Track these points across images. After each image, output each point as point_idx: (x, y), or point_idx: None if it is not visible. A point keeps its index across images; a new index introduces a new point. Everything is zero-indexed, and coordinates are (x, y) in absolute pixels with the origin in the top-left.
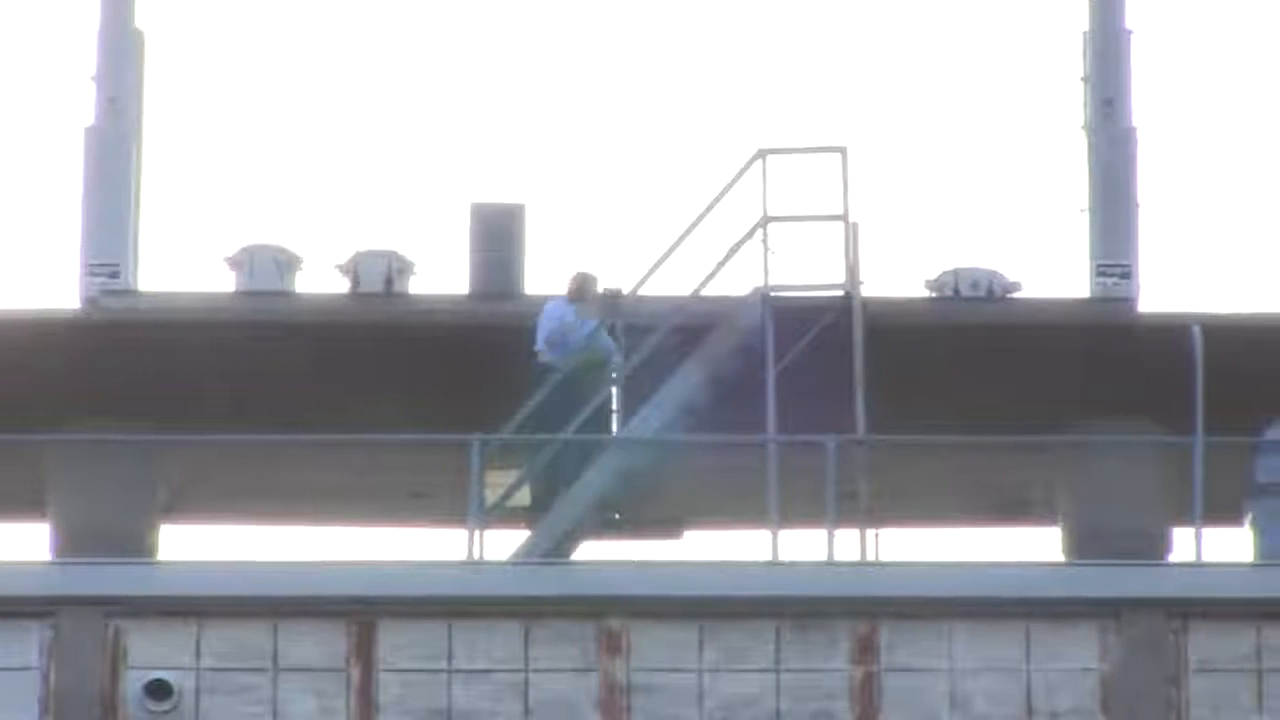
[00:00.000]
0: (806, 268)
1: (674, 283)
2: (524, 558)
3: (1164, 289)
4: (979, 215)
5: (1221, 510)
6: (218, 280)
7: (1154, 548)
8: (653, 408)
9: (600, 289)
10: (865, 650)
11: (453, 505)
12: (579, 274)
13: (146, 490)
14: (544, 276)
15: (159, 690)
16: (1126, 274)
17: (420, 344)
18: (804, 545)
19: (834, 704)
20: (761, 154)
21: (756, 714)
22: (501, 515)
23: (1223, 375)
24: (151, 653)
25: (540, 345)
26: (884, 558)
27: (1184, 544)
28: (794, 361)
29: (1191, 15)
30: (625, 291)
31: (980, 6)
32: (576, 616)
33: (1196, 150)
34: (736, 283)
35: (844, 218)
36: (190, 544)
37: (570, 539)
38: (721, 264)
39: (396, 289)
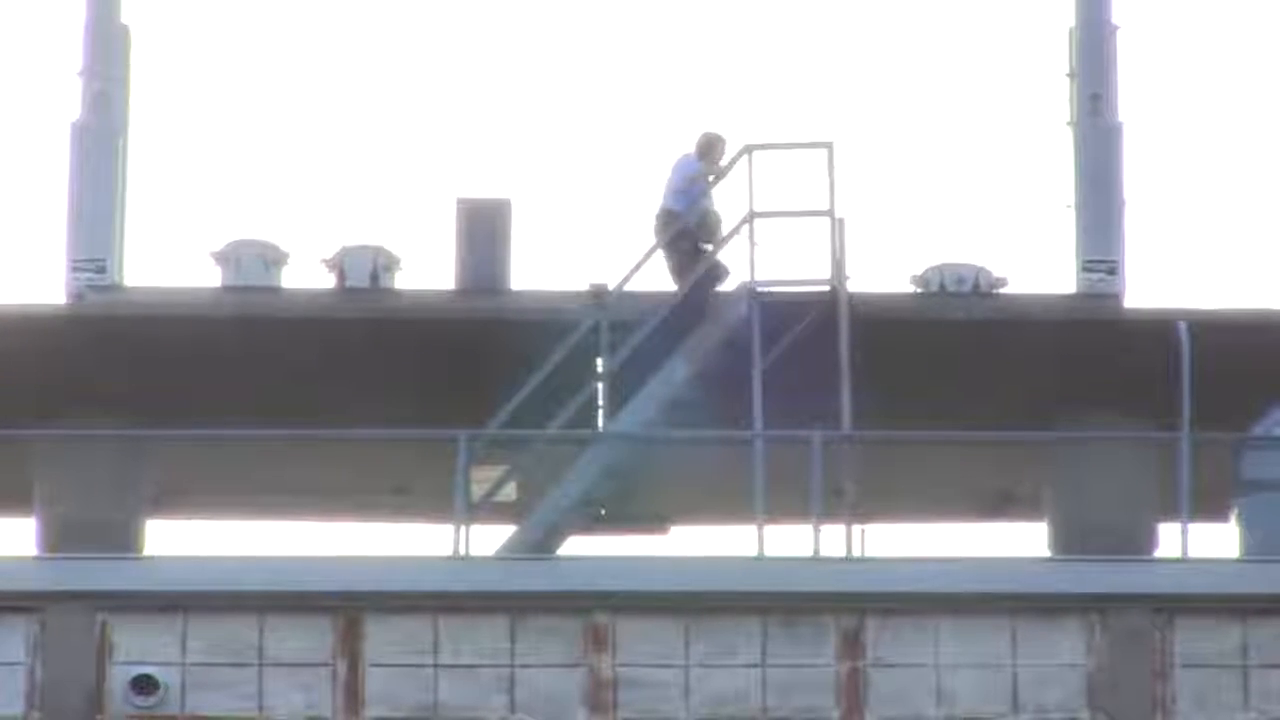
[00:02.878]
0: (793, 263)
1: (660, 278)
2: (510, 553)
3: (1150, 285)
4: (965, 211)
5: (1208, 506)
6: (204, 275)
7: (1140, 543)
8: (639, 403)
9: (725, 150)
10: (851, 645)
11: (439, 500)
12: (708, 132)
13: (133, 485)
14: (530, 272)
15: (145, 684)
16: (1113, 270)
17: (406, 339)
18: (790, 541)
19: (820, 699)
20: (748, 149)
21: (743, 709)
22: (488, 510)
23: (1209, 371)
24: (138, 647)
25: (669, 194)
26: (870, 553)
27: (1170, 539)
28: (780, 357)
29: (1178, 11)
30: (610, 287)
31: (967, 2)
32: (563, 611)
33: (1183, 146)
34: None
35: (830, 213)
36: (177, 539)
37: (556, 534)
38: (708, 259)
39: (383, 284)
